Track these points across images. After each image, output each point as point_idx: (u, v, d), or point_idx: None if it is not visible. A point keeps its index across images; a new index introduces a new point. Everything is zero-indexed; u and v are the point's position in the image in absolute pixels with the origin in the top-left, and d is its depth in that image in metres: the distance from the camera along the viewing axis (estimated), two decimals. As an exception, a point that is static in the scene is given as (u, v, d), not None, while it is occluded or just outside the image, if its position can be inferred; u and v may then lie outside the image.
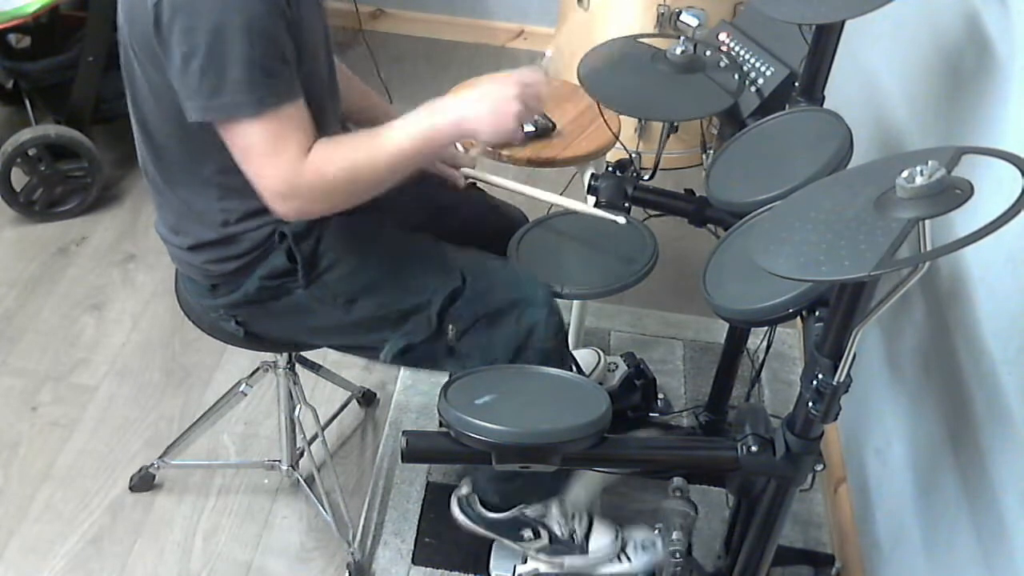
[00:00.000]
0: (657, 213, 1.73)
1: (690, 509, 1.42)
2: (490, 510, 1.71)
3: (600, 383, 2.00)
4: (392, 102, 3.07)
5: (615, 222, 1.55)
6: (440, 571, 1.79)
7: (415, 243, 1.52)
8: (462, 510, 1.75)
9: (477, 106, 1.32)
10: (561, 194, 1.60)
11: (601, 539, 1.73)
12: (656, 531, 1.47)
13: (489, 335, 1.45)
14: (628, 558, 1.75)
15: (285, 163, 1.24)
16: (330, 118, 1.45)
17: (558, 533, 1.71)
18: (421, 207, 1.64)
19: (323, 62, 1.38)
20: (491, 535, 1.74)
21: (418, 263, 1.49)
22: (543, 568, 1.74)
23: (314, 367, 1.91)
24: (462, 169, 1.65)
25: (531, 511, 1.70)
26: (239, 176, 1.27)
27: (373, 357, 1.53)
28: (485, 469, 1.66)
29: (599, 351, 2.08)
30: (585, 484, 1.74)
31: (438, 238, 1.55)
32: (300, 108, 1.25)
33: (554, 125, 1.97)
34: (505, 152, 1.90)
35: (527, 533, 1.71)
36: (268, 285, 1.44)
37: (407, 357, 1.49)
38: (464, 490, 1.75)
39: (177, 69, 1.20)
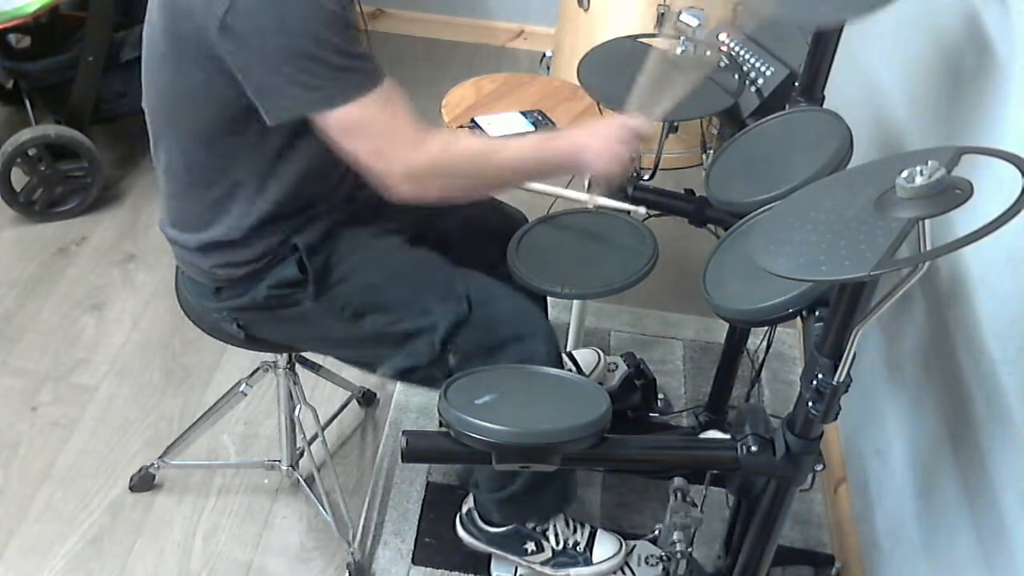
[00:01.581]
0: (657, 213, 1.73)
1: (691, 509, 1.42)
2: (491, 525, 1.72)
3: (600, 383, 1.99)
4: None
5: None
6: (440, 571, 1.79)
7: (425, 263, 1.52)
8: (464, 527, 1.75)
9: (596, 142, 1.39)
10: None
11: (606, 550, 1.73)
12: (656, 531, 1.47)
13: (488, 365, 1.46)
14: (631, 570, 1.75)
15: (407, 138, 1.26)
16: None
17: (560, 545, 1.71)
18: (423, 207, 1.64)
19: None
20: (495, 551, 1.74)
21: (427, 284, 1.49)
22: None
23: (314, 367, 1.90)
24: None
25: (532, 524, 1.70)
26: (265, 179, 1.28)
27: (372, 372, 1.53)
28: (485, 486, 1.67)
29: (599, 351, 2.08)
30: None
31: (444, 248, 1.55)
32: (395, 84, 1.26)
33: (554, 125, 1.97)
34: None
35: (530, 546, 1.71)
36: (276, 294, 1.44)
37: (406, 376, 1.50)
38: (465, 508, 1.75)
39: (265, 70, 1.20)
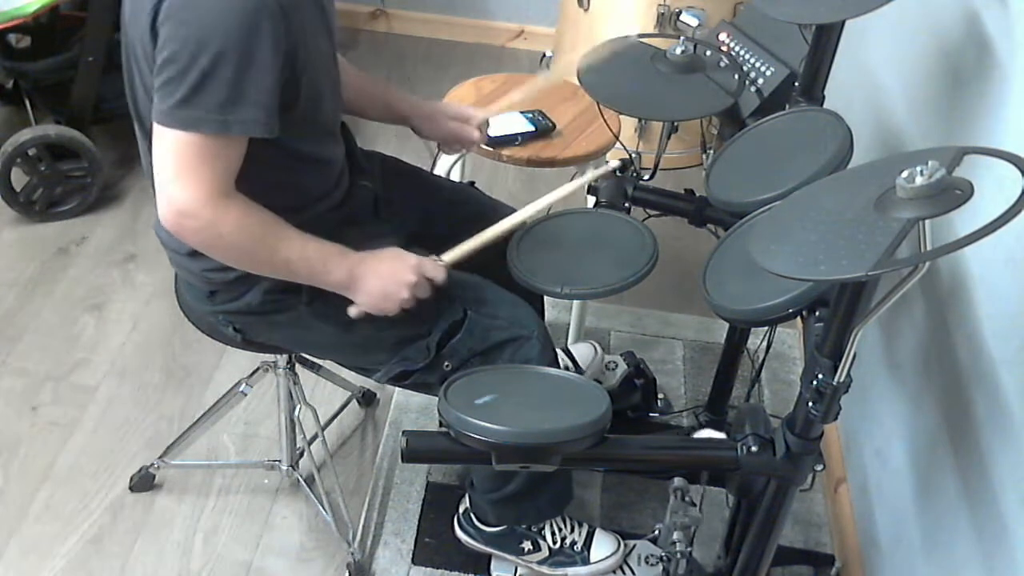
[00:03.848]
0: (657, 213, 1.73)
1: (690, 509, 1.42)
2: (487, 525, 1.72)
3: (598, 380, 1.99)
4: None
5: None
6: (440, 571, 1.79)
7: None
8: (462, 527, 1.75)
9: (373, 281, 1.36)
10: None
11: (604, 550, 1.73)
12: (656, 531, 1.47)
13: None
14: (631, 570, 1.75)
15: (204, 184, 1.22)
16: (331, 121, 1.44)
17: (557, 544, 1.71)
18: (419, 207, 1.64)
19: (326, 69, 1.37)
20: (492, 551, 1.74)
21: None
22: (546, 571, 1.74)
23: (314, 367, 1.90)
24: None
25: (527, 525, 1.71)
26: (235, 181, 1.27)
27: (369, 376, 1.53)
28: (480, 487, 1.67)
29: (595, 344, 2.08)
30: None
31: (442, 249, 1.55)
32: (242, 149, 1.25)
33: (554, 125, 1.97)
34: (506, 152, 1.90)
35: (526, 545, 1.71)
36: (271, 298, 1.43)
37: (402, 381, 1.50)
38: (462, 508, 1.75)
39: (156, 68, 1.20)
